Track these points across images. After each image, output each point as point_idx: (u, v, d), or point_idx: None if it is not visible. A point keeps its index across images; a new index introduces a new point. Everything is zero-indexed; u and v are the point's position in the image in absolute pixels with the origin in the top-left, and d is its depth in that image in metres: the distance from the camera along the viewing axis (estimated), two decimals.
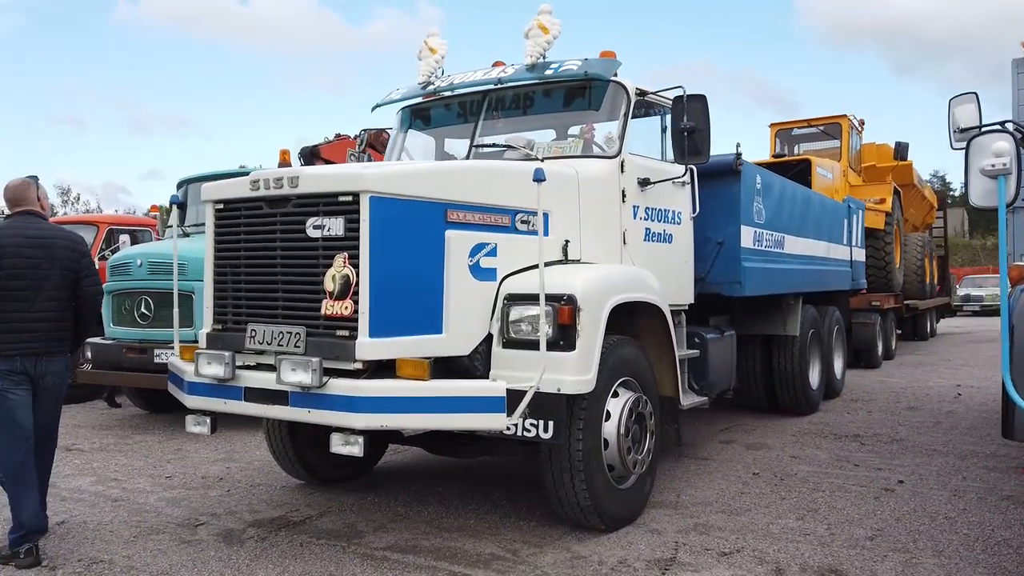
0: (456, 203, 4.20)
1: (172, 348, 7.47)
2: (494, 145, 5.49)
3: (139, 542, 4.47)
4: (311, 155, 10.42)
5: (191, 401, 4.34)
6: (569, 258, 4.82)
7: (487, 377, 4.21)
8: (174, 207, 5.03)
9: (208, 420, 4.33)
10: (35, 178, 4.54)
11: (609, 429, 4.45)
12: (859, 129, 14.56)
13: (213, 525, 4.77)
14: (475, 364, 4.25)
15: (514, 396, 3.86)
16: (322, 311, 3.96)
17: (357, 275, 3.85)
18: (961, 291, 28.87)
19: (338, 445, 3.78)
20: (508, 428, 3.95)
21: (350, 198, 3.88)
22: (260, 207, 4.20)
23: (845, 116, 13.96)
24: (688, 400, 5.44)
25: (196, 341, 4.77)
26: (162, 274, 7.78)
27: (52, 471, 4.65)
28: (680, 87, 5.21)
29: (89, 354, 7.92)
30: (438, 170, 4.43)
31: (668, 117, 5.81)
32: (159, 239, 11.92)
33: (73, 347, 4.65)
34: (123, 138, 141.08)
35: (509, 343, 4.23)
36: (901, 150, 14.54)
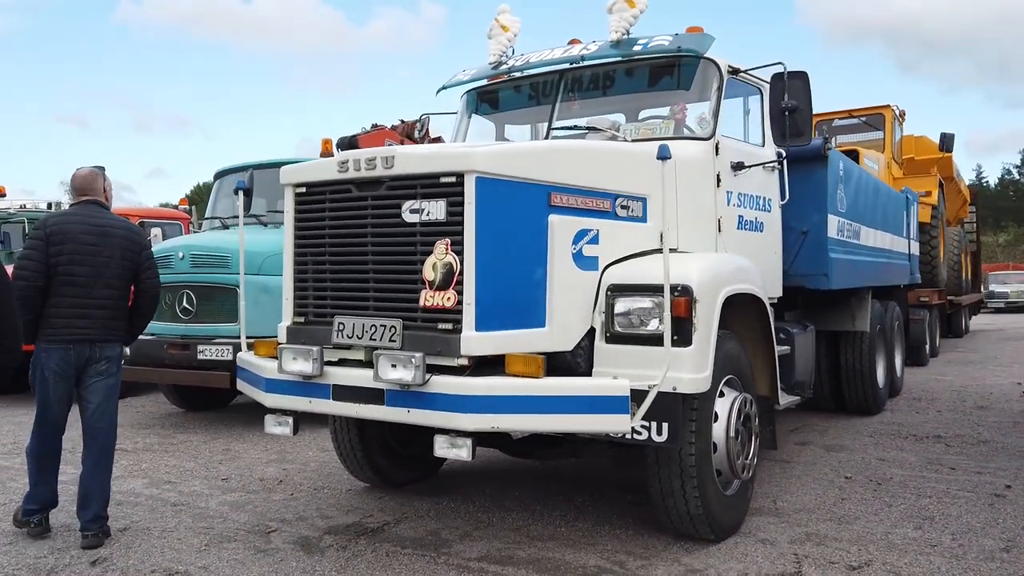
0: (560, 186, 3.87)
1: (215, 344, 7.31)
2: (575, 127, 5.14)
3: (212, 551, 4.15)
4: (349, 146, 10.10)
5: (271, 400, 4.02)
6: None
7: (589, 375, 3.89)
8: (240, 192, 4.70)
9: (290, 420, 4.01)
10: (102, 168, 4.52)
11: (718, 431, 4.12)
12: (901, 120, 14.15)
13: (286, 532, 4.45)
14: (578, 361, 3.92)
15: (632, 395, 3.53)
16: (421, 302, 3.63)
17: (461, 263, 3.52)
18: (985, 287, 28.45)
19: (443, 448, 3.45)
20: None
21: (453, 179, 3.55)
22: (349, 190, 3.87)
23: (888, 106, 13.52)
24: (784, 400, 5.11)
25: (238, 337, 4.54)
26: (205, 267, 7.47)
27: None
28: (780, 63, 4.86)
29: (127, 350, 7.60)
30: (544, 149, 4.10)
31: (752, 98, 5.51)
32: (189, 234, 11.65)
33: (127, 339, 4.58)
34: (126, 137, 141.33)
35: (614, 337, 3.91)
36: (947, 141, 14.08)
